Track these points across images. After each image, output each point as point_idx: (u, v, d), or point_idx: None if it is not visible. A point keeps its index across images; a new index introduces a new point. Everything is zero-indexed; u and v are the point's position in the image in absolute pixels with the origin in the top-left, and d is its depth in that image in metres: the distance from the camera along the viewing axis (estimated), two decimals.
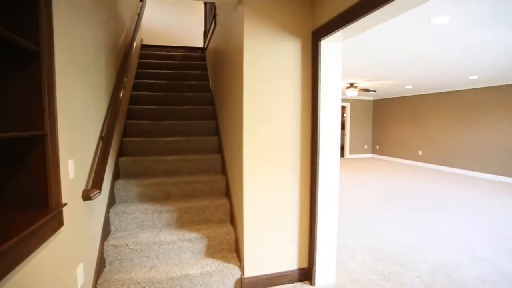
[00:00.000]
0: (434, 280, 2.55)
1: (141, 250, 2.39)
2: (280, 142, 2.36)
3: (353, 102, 10.68)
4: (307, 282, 2.49)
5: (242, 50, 2.23)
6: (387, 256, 2.98)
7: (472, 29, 3.10)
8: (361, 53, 4.18)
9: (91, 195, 1.82)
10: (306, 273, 2.51)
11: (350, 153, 10.78)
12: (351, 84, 7.09)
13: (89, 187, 1.94)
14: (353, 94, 7.15)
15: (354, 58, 4.47)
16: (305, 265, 2.52)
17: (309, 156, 2.44)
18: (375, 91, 7.53)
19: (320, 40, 2.22)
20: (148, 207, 2.69)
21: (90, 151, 2.06)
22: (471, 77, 6.16)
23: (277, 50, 2.29)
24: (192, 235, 2.54)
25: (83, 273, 1.81)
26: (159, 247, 2.43)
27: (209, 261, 2.45)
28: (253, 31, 2.22)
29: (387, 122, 10.29)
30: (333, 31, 2.02)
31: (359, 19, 1.75)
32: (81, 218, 1.84)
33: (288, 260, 2.48)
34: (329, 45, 2.27)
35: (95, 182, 1.95)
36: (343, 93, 8.83)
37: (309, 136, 2.43)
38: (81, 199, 1.82)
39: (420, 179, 7.05)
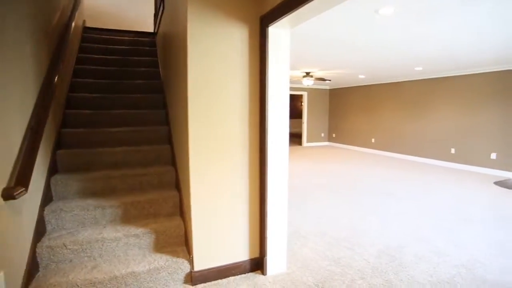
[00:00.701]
0: (379, 261, 2.67)
1: (82, 250, 2.23)
2: (228, 131, 2.29)
3: (310, 91, 10.88)
4: (259, 272, 2.49)
5: (186, 36, 2.11)
6: (338, 242, 3.08)
7: (415, 21, 3.22)
8: (314, 43, 4.21)
9: (15, 194, 1.63)
10: (258, 263, 2.51)
11: (308, 141, 11.03)
12: (307, 73, 7.18)
13: (12, 184, 1.74)
14: (309, 83, 7.25)
15: (307, 47, 4.50)
16: (256, 255, 2.52)
17: (257, 146, 2.41)
18: (330, 80, 7.70)
19: (268, 27, 2.17)
20: (90, 203, 2.51)
21: (14, 142, 1.85)
22: (416, 68, 6.51)
23: (224, 36, 2.20)
24: (139, 230, 2.42)
25: (4, 283, 1.62)
26: (102, 245, 2.28)
27: (158, 256, 2.35)
28: (198, 15, 2.10)
29: (343, 110, 10.64)
30: (280, 16, 1.97)
31: (304, 5, 1.71)
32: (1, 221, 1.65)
33: (239, 251, 2.45)
34: (277, 32, 2.22)
35: (21, 179, 1.76)
36: (300, 82, 8.93)
37: (258, 125, 2.39)
38: (1, 198, 1.63)
39: (372, 165, 7.40)
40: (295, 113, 14.53)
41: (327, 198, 4.57)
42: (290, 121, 14.25)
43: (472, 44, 4.18)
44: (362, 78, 8.28)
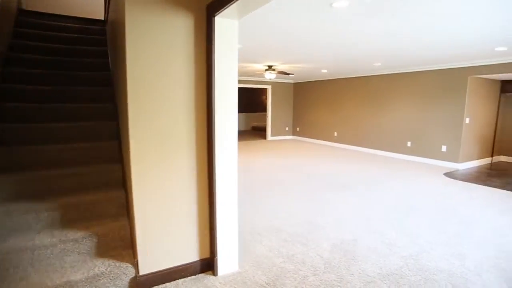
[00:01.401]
0: (333, 256, 2.68)
1: (7, 260, 2.00)
2: (172, 126, 2.16)
3: (274, 84, 10.87)
4: (209, 272, 2.39)
5: (125, 23, 1.93)
6: (293, 238, 3.06)
7: (370, 16, 3.24)
8: (274, 36, 4.13)
9: None
10: (209, 263, 2.41)
11: (272, 135, 11.05)
12: (270, 67, 7.12)
13: None
14: (271, 76, 7.21)
15: (267, 40, 4.42)
16: (207, 255, 2.42)
17: (205, 142, 2.30)
18: (293, 74, 7.71)
19: (215, 16, 2.05)
20: (21, 207, 2.27)
21: None
22: (375, 64, 6.67)
23: (167, 25, 2.04)
24: (79, 234, 2.23)
25: None
26: (33, 253, 2.07)
27: (99, 262, 2.18)
28: (137, 1, 1.93)
29: (307, 104, 10.75)
30: (227, 4, 1.85)
31: None
32: None
33: (188, 251, 2.34)
34: (224, 22, 2.10)
35: None
36: (263, 76, 8.86)
37: (205, 120, 2.28)
38: None
39: (333, 159, 7.54)
40: (260, 106, 14.50)
41: (286, 193, 4.56)
42: (254, 115, 14.21)
43: (423, 42, 4.31)
44: (324, 72, 8.38)
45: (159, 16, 2.01)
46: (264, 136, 11.32)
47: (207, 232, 2.40)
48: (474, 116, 6.62)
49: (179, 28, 2.09)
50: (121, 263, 2.19)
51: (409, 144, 7.47)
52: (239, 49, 5.02)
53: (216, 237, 2.33)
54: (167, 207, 2.21)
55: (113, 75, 3.60)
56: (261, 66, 7.21)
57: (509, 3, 2.74)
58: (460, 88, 6.40)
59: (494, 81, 6.95)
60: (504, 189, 4.94)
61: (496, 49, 4.77)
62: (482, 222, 3.53)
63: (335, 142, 9.68)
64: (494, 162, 7.38)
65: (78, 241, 2.21)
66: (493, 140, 7.36)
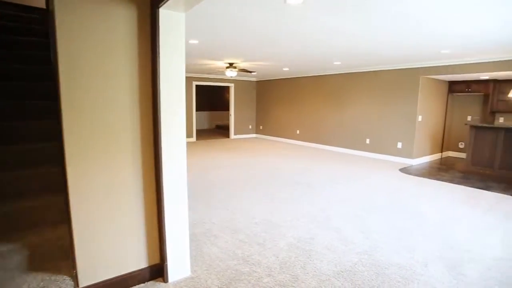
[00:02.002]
0: (289, 256, 2.65)
1: None
2: (114, 125, 1.99)
3: (237, 83, 10.78)
4: (160, 279, 2.26)
5: (54, 11, 1.74)
6: (249, 238, 2.99)
7: (326, 14, 3.24)
8: (231, 33, 4.03)
9: None
10: (159, 270, 2.27)
11: (235, 133, 10.96)
12: (231, 64, 7.02)
13: None
14: (232, 74, 7.10)
15: (226, 37, 4.31)
16: (157, 261, 2.28)
17: (151, 141, 2.16)
18: (254, 72, 7.66)
19: (159, 7, 1.91)
20: None
21: None
22: (335, 63, 6.80)
23: (106, 17, 1.87)
24: (6, 247, 1.99)
25: None
26: None
27: (31, 277, 1.97)
28: None
29: (269, 102, 10.78)
30: None
31: None
32: None
33: (135, 258, 2.19)
34: (169, 14, 1.97)
35: None
36: (224, 73, 8.71)
37: (151, 118, 2.13)
38: None
39: (295, 157, 7.61)
40: (223, 105, 14.32)
41: (245, 192, 4.50)
42: (218, 113, 14.02)
43: (378, 41, 4.43)
44: (286, 70, 8.42)
45: (96, 5, 1.83)
46: (227, 135, 11.19)
47: (155, 236, 2.26)
48: (426, 114, 6.98)
49: (120, 20, 1.92)
50: (58, 276, 1.99)
51: (368, 141, 7.72)
52: (195, 45, 4.86)
53: (165, 241, 2.19)
54: (110, 210, 2.04)
55: (54, 70, 3.31)
56: (222, 64, 7.08)
57: (449, 10, 2.87)
58: (413, 88, 6.71)
59: (442, 81, 7.38)
60: (451, 183, 5.23)
61: (442, 51, 5.03)
62: (432, 215, 3.69)
63: (297, 140, 9.79)
64: (444, 157, 7.85)
65: (4, 255, 1.98)
66: (443, 137, 7.82)
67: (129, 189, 2.10)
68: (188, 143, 9.60)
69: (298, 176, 5.53)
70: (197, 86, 10.12)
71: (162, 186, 2.11)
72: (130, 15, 1.96)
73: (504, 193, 4.67)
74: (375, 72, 7.40)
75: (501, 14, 3.09)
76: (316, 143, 9.14)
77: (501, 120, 7.40)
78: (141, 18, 2.00)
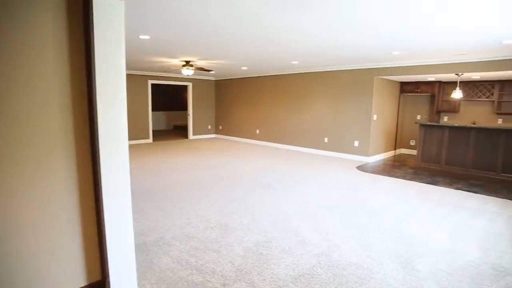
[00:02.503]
0: (245, 262, 2.53)
1: None
2: (41, 132, 1.73)
3: (195, 82, 10.49)
4: None
5: None
6: (205, 244, 2.82)
7: (279, 10, 3.16)
8: (181, 27, 3.81)
9: None
10: (100, 287, 2.04)
11: (194, 134, 10.66)
12: (187, 62, 6.76)
13: None
14: (189, 72, 6.84)
15: (175, 32, 4.08)
16: (97, 277, 2.04)
17: (87, 146, 1.92)
18: (212, 70, 7.46)
19: None
20: None
21: None
22: (293, 62, 6.81)
23: (29, 8, 1.62)
24: None
25: None
26: None
27: None
28: None
29: (229, 102, 10.62)
30: None
31: None
32: None
33: (72, 277, 1.94)
34: (106, 2, 1.75)
35: None
36: (180, 72, 8.29)
37: (87, 122, 1.89)
38: None
39: (254, 157, 7.52)
40: (182, 104, 13.87)
41: (202, 195, 4.31)
42: (176, 113, 13.59)
43: (335, 41, 4.47)
44: (245, 69, 8.32)
45: None
46: (186, 136, 10.85)
47: (96, 249, 2.02)
48: (380, 113, 7.24)
49: (47, 9, 1.67)
50: None
51: (326, 140, 7.85)
52: (147, 40, 4.57)
53: (107, 255, 1.96)
54: (39, 222, 1.77)
55: None
56: (178, 62, 6.80)
57: (396, 16, 2.93)
58: (367, 88, 6.93)
59: (395, 82, 7.71)
60: (404, 179, 5.45)
61: (393, 53, 5.21)
62: (387, 211, 3.77)
63: (257, 140, 9.74)
64: (397, 154, 8.22)
65: None
66: (396, 135, 8.19)
67: (62, 197, 1.84)
68: (144, 144, 9.14)
69: (257, 176, 5.44)
70: (153, 85, 9.68)
71: (102, 193, 1.88)
72: (58, 4, 1.71)
73: (449, 187, 4.94)
74: (332, 72, 7.55)
75: (440, 20, 3.24)
76: (276, 142, 9.15)
77: (446, 119, 7.90)
78: (72, 7, 1.76)
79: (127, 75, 8.77)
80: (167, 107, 13.64)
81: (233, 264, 2.48)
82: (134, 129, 9.16)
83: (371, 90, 6.87)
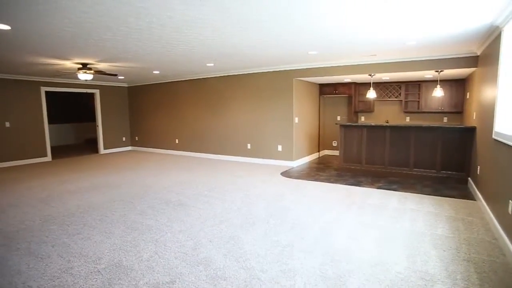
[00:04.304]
0: None
1: None
2: None
3: (104, 89, 9.27)
4: None
5: None
6: None
7: (182, 5, 2.60)
8: (54, 18, 2.99)
9: None
10: None
11: (106, 147, 9.38)
12: (84, 65, 5.72)
13: None
14: (87, 77, 5.80)
15: (53, 25, 3.21)
16: None
17: None
18: (116, 74, 6.51)
19: None
20: None
21: None
22: (208, 64, 6.28)
23: None
24: None
25: None
26: None
27: None
28: None
29: (144, 110, 9.62)
30: None
31: None
32: None
33: None
34: None
35: None
36: (75, 77, 7.03)
37: None
38: None
39: (171, 169, 6.76)
40: (93, 115, 12.29)
41: (96, 224, 3.47)
42: (87, 125, 11.98)
43: (251, 40, 4.06)
44: (157, 74, 7.52)
45: None
46: (96, 150, 9.49)
47: None
48: (302, 116, 7.13)
49: None
50: None
51: (249, 146, 7.47)
52: (7, 32, 3.52)
53: None
54: None
55: None
56: (71, 64, 5.72)
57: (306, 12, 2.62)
58: (287, 90, 6.74)
59: (314, 84, 7.72)
60: (328, 182, 5.30)
61: (309, 52, 5.04)
62: (312, 222, 3.44)
63: (177, 150, 8.95)
64: (321, 156, 8.24)
65: None
66: (318, 137, 8.21)
67: None
68: (38, 164, 7.62)
69: (170, 193, 4.74)
70: (57, 93, 8.19)
71: None
72: None
73: (371, 187, 4.91)
74: (251, 75, 7.21)
75: (352, 19, 3.05)
76: (197, 152, 8.48)
77: (363, 119, 8.19)
78: None
79: (7, 79, 7.24)
80: (76, 119, 11.93)
81: None
82: (23, 146, 7.60)
83: (291, 93, 6.70)
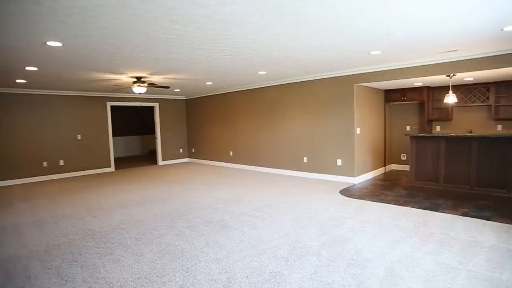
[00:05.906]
0: None
1: None
2: None
3: (163, 102, 9.54)
4: None
5: None
6: None
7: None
8: (102, 34, 2.88)
9: None
10: None
11: (164, 159, 9.58)
12: (138, 78, 5.80)
13: None
14: (141, 90, 5.87)
15: (97, 40, 3.13)
16: None
17: None
18: (168, 87, 6.52)
19: None
20: None
21: None
22: (260, 72, 5.91)
23: None
24: None
25: None
26: None
27: None
28: None
29: (201, 123, 9.65)
30: None
31: None
32: None
33: None
34: None
35: None
36: (129, 91, 7.15)
37: None
38: None
39: (223, 184, 6.47)
40: (149, 128, 12.72)
41: (130, 245, 3.23)
42: (151, 137, 12.53)
43: (302, 46, 3.58)
44: (210, 84, 7.41)
45: None
46: (155, 161, 9.76)
47: None
48: (364, 126, 6.32)
49: None
50: None
51: (305, 160, 6.87)
52: (60, 48, 3.56)
53: None
54: None
55: None
56: (126, 78, 5.84)
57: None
58: (347, 98, 6.03)
59: (378, 90, 6.86)
60: (397, 204, 4.45)
61: (371, 52, 4.34)
62: (376, 259, 2.74)
63: (231, 162, 8.70)
64: (387, 171, 7.26)
65: None
66: (384, 150, 7.26)
67: None
68: (102, 174, 8.02)
69: (214, 211, 4.38)
70: (123, 107, 8.67)
71: None
72: None
73: (454, 213, 3.96)
74: (306, 83, 6.66)
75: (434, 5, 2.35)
76: (251, 165, 8.12)
77: (438, 128, 7.04)
78: None
79: (77, 96, 7.80)
80: (141, 131, 12.58)
81: None
82: (91, 157, 8.10)
83: (352, 100, 5.97)
